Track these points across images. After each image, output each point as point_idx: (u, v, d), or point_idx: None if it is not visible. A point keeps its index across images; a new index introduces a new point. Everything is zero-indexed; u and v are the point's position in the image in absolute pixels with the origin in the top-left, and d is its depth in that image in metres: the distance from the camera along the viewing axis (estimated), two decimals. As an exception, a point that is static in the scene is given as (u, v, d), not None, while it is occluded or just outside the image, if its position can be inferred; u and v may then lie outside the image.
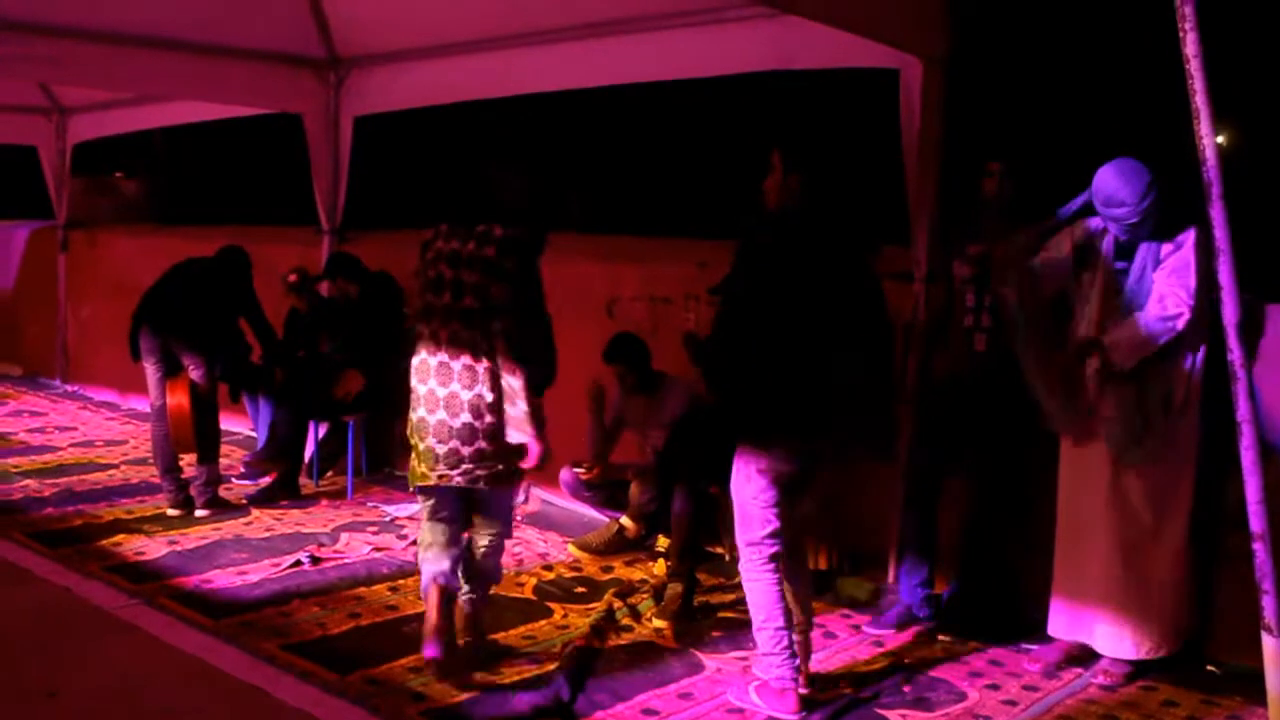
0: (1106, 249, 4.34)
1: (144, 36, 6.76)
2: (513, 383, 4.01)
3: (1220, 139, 3.28)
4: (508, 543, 4.49)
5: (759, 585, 4.03)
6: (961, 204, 5.03)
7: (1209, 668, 4.43)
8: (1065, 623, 4.53)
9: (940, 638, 4.76)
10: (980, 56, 5.55)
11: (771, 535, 3.99)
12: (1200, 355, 4.25)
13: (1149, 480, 4.29)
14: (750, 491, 3.99)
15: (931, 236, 5.16)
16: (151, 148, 16.37)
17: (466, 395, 4.04)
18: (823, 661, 4.51)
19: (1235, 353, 3.22)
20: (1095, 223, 4.38)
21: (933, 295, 5.14)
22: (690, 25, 5.80)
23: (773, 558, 4.00)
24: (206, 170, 17.69)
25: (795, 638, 4.07)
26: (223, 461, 7.42)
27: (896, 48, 4.99)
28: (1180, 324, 4.15)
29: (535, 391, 4.06)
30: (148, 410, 6.66)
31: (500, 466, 4.11)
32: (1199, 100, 3.14)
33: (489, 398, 4.03)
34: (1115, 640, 4.37)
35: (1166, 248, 4.22)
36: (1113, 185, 4.19)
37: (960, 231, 4.92)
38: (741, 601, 5.07)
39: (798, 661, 4.05)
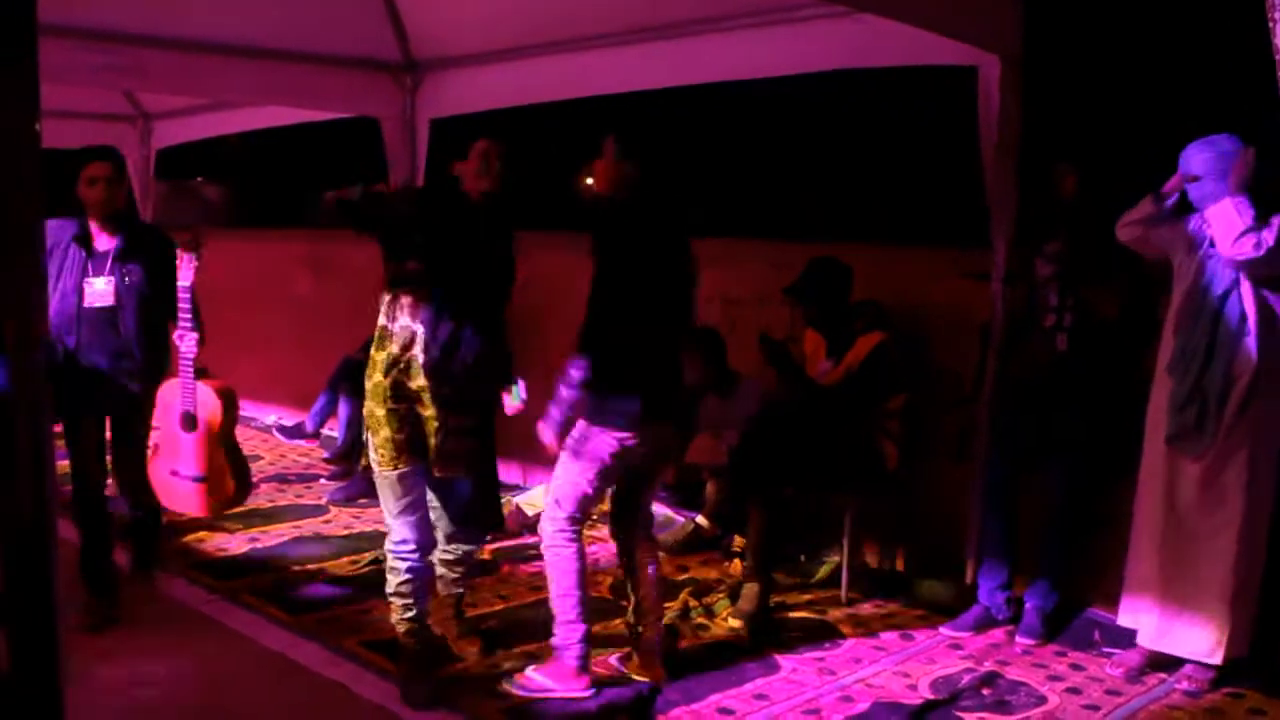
0: (1202, 233, 4.25)
1: (226, 44, 6.86)
2: None
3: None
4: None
5: (567, 555, 4.07)
6: (1040, 203, 4.97)
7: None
8: (1130, 613, 4.45)
9: (1021, 640, 4.70)
10: (1058, 53, 5.47)
11: (590, 509, 4.12)
12: (1269, 352, 4.12)
13: (1207, 475, 4.19)
14: (591, 466, 4.00)
15: (1010, 236, 5.10)
16: (233, 152, 16.67)
17: None
18: (900, 663, 4.49)
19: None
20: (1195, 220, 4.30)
21: (1011, 296, 5.08)
22: (764, 25, 5.77)
23: (581, 531, 4.11)
24: (286, 174, 17.94)
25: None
26: (302, 460, 7.54)
27: (974, 45, 4.94)
28: (1251, 250, 3.98)
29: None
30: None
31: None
32: (1289, 94, 3.07)
33: None
34: (1161, 636, 4.30)
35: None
36: (1190, 156, 4.19)
37: (1039, 230, 4.87)
38: (821, 602, 5.08)
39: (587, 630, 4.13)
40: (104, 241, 4.72)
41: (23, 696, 1.36)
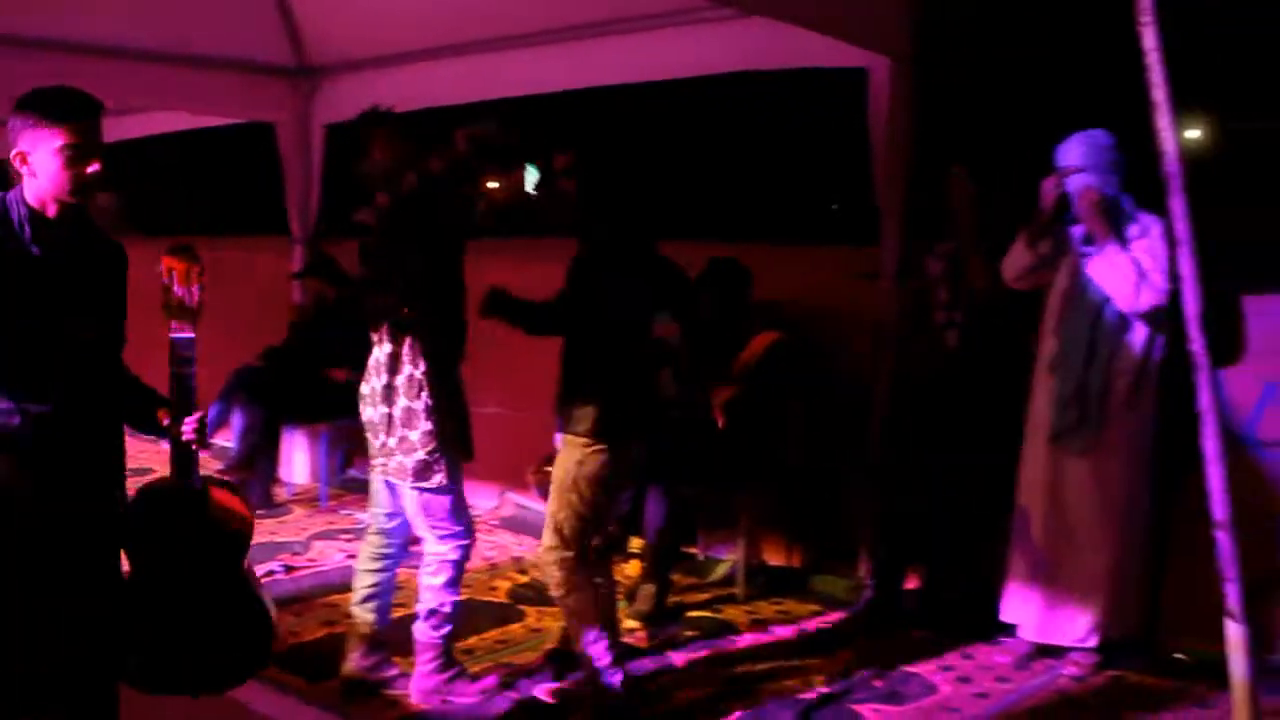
0: (1076, 236, 4.35)
1: (118, 48, 6.71)
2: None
3: (1198, 133, 3.29)
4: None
5: (588, 596, 3.88)
6: (931, 202, 5.05)
7: (1177, 655, 4.40)
8: (1012, 608, 4.54)
9: (913, 633, 4.77)
10: (946, 54, 5.56)
11: (594, 535, 3.92)
12: (1155, 351, 4.26)
13: (1088, 469, 4.31)
14: (598, 488, 3.82)
15: (900, 235, 5.17)
16: (123, 159, 16.29)
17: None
18: (797, 657, 4.53)
19: (1197, 343, 3.23)
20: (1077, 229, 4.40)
21: (903, 293, 5.15)
22: (660, 27, 5.79)
23: (590, 564, 3.92)
24: (180, 181, 17.62)
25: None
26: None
27: (862, 46, 5.01)
28: (1153, 298, 4.13)
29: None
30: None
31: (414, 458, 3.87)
32: (1159, 94, 3.16)
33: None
34: (1042, 626, 4.41)
35: (1133, 230, 4.24)
36: (1067, 150, 4.30)
37: (930, 229, 4.95)
38: (718, 600, 5.10)
39: None
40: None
41: None
